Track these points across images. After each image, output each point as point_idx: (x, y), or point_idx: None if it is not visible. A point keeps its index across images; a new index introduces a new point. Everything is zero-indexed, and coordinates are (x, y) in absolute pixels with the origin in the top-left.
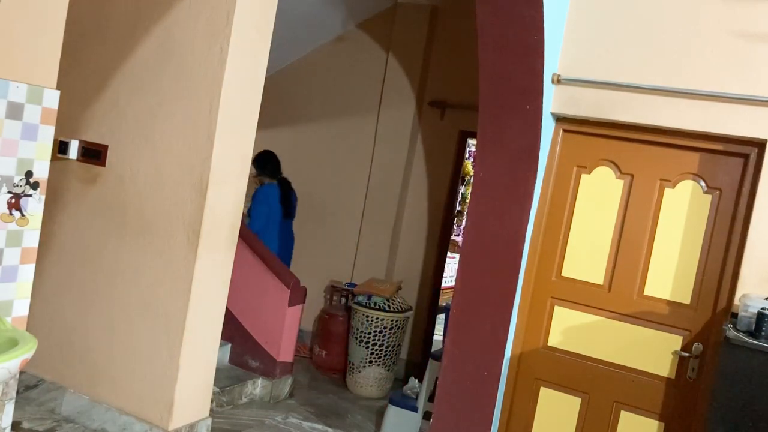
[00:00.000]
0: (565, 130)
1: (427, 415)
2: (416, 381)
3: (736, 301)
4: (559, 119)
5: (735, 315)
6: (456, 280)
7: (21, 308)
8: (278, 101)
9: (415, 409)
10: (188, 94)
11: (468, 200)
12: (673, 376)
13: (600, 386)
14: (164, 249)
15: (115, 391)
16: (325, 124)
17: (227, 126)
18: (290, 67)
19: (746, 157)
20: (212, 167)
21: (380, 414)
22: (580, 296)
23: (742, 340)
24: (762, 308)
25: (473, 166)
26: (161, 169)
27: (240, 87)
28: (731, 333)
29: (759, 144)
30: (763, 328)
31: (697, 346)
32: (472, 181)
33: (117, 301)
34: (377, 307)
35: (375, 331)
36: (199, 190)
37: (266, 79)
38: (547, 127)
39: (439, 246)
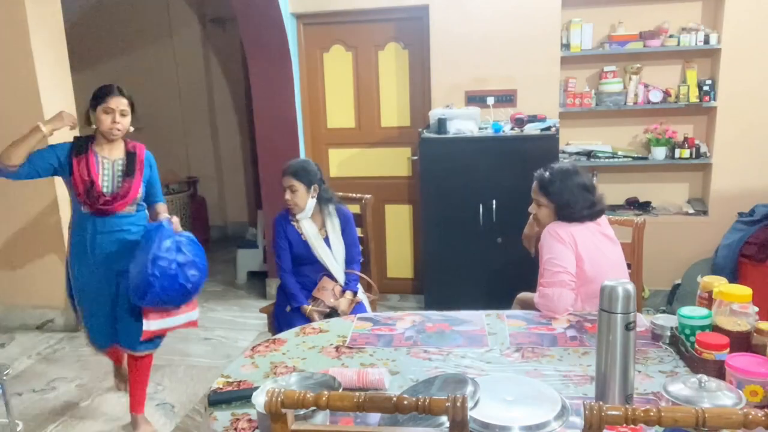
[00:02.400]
0: (304, 24)
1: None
2: (254, 229)
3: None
4: (298, 17)
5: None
6: (258, 147)
7: None
8: (87, 45)
9: (256, 246)
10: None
11: None
12: (410, 175)
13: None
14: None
15: (25, 295)
16: (131, 57)
17: (45, 73)
18: (89, 11)
19: (421, 20)
20: (44, 109)
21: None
22: (343, 138)
23: (431, 137)
24: (441, 116)
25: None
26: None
27: (45, 36)
28: (424, 134)
29: (425, 8)
30: (442, 127)
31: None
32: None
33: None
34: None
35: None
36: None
37: (71, 27)
38: (291, 24)
39: (250, 133)
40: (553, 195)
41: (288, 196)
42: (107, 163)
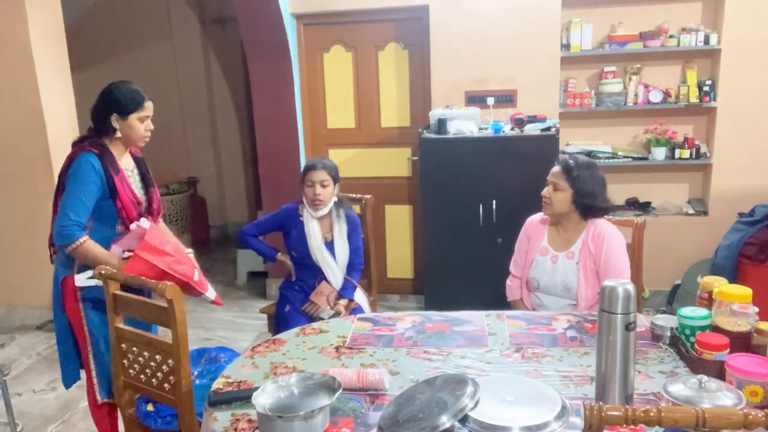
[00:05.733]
0: (304, 24)
1: None
2: None
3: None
4: (298, 17)
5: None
6: (258, 147)
7: None
8: (86, 44)
9: None
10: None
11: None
12: (410, 175)
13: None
14: (28, 179)
15: (25, 295)
16: (131, 57)
17: (45, 73)
18: (89, 11)
19: (421, 20)
20: (44, 109)
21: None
22: (344, 138)
23: (431, 137)
24: (441, 116)
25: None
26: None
27: (45, 37)
28: (424, 135)
29: (425, 8)
30: (442, 127)
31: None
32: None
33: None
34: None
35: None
36: (40, 130)
37: (71, 26)
38: (291, 24)
39: (250, 133)
40: (576, 181)
41: (318, 190)
42: (131, 176)
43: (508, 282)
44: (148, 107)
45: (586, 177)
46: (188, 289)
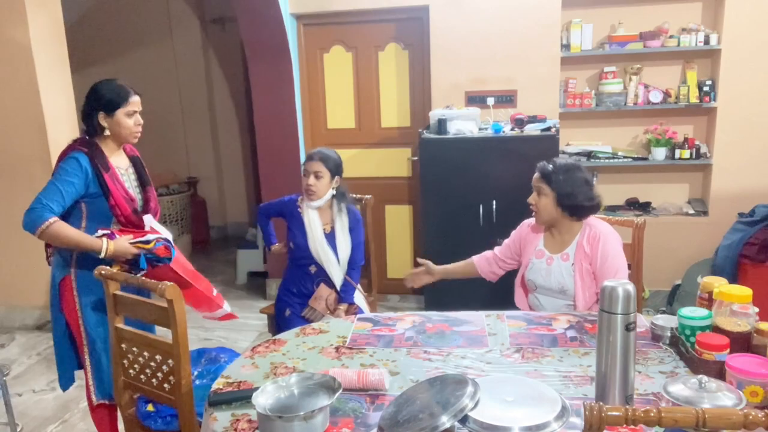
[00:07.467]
0: (304, 25)
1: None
2: (253, 229)
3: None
4: (298, 17)
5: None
6: (258, 147)
7: None
8: (87, 45)
9: (256, 247)
10: (4, 54)
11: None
12: (410, 175)
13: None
14: (27, 179)
15: (25, 295)
16: (131, 57)
17: (45, 73)
18: (89, 11)
19: (421, 20)
20: (44, 109)
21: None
22: (344, 138)
23: (431, 138)
24: (441, 116)
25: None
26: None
27: (45, 36)
28: (424, 135)
29: (425, 8)
30: (442, 127)
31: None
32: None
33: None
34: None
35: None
36: (40, 130)
37: (71, 26)
38: (291, 25)
39: (250, 133)
40: (555, 184)
41: (311, 180)
42: (124, 174)
43: (485, 253)
44: (134, 102)
45: (565, 178)
46: (206, 303)
